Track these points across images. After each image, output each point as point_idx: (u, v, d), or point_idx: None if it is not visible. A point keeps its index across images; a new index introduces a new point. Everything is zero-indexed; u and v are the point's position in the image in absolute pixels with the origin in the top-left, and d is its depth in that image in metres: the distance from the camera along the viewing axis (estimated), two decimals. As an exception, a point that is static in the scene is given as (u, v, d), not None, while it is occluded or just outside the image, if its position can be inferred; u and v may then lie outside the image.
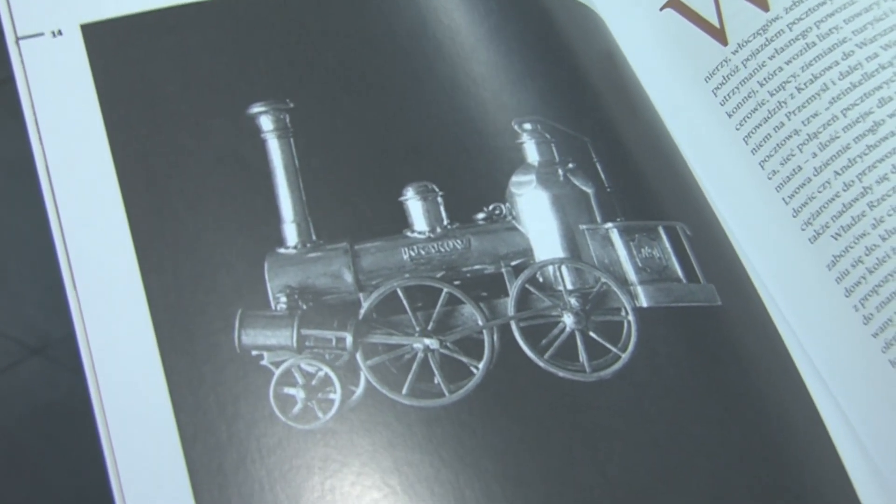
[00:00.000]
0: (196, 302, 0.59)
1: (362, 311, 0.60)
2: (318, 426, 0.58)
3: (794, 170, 0.68)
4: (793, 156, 0.68)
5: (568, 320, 0.61)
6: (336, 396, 0.58)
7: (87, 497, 0.63)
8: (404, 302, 0.61)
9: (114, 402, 0.57)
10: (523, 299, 0.62)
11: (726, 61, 0.72)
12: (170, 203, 0.61)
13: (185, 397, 0.57)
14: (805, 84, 0.69)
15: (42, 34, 0.65)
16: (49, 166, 0.62)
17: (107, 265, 0.60)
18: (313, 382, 0.58)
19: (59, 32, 0.65)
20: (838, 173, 0.66)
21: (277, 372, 0.58)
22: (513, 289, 0.62)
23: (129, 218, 0.61)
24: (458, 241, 0.63)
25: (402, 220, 0.63)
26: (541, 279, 0.63)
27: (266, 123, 0.63)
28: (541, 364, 0.59)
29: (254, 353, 0.59)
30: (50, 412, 0.59)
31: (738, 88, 0.71)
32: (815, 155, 0.67)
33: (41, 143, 0.62)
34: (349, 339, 0.59)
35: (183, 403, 0.57)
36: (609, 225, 0.64)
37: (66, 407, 0.60)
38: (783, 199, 0.68)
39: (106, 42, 0.65)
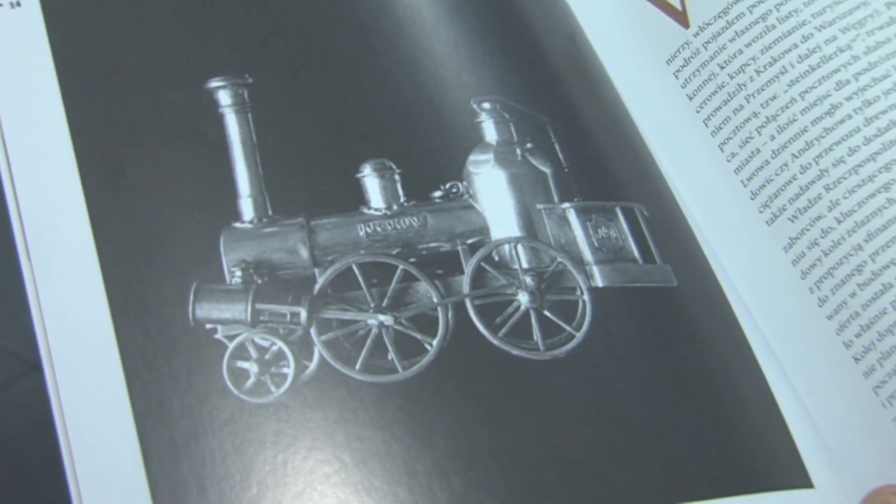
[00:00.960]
0: (151, 274, 0.59)
1: (317, 287, 0.60)
2: (271, 400, 0.58)
3: (752, 152, 0.68)
4: (751, 138, 0.68)
5: (523, 299, 0.61)
6: (289, 371, 0.58)
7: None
8: (359, 278, 0.61)
9: (66, 371, 0.57)
10: (478, 277, 0.62)
11: (688, 44, 0.72)
12: (126, 175, 0.61)
13: (138, 369, 0.57)
14: (764, 67, 0.69)
15: (1, 5, 0.65)
16: (5, 138, 0.62)
17: (61, 235, 0.60)
18: (267, 357, 0.58)
19: (18, 3, 0.65)
20: (795, 156, 0.67)
21: (231, 346, 0.58)
22: (468, 267, 0.62)
23: (84, 189, 0.61)
24: (415, 219, 0.63)
25: (359, 197, 0.63)
26: (496, 258, 0.63)
27: (224, 98, 0.63)
28: (495, 342, 0.59)
29: (208, 326, 0.59)
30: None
31: (698, 71, 0.71)
32: (773, 138, 0.67)
33: (-1, 114, 0.62)
34: (303, 314, 0.59)
35: (136, 375, 0.57)
36: (566, 205, 0.64)
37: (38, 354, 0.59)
38: (741, 181, 0.68)
39: (64, 13, 0.65)
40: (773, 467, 0.60)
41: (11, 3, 0.65)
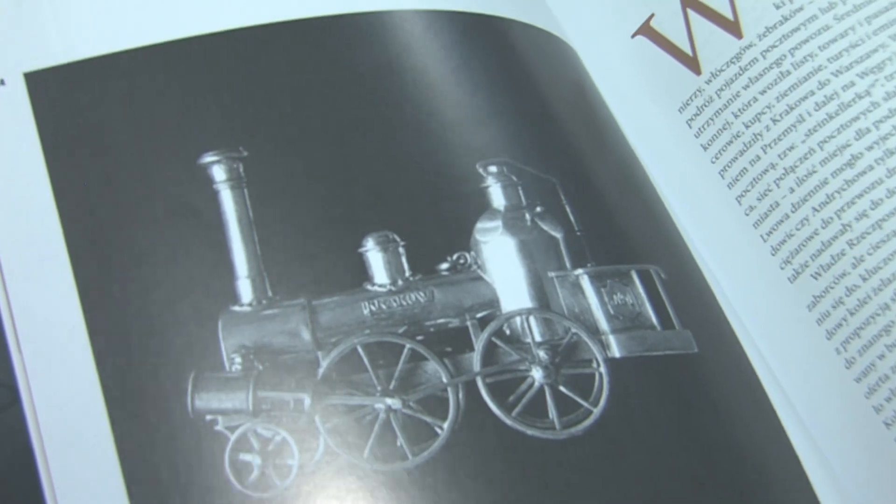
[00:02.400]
0: (146, 364, 0.57)
1: (321, 371, 0.58)
2: (276, 494, 0.55)
3: (771, 205, 0.65)
4: (770, 191, 0.66)
5: (537, 374, 0.59)
6: (294, 462, 0.55)
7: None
8: (365, 360, 0.58)
9: (62, 474, 0.55)
10: (489, 353, 0.59)
11: (700, 91, 0.70)
12: (118, 258, 0.59)
13: (136, 466, 0.55)
14: (780, 115, 0.67)
15: (-16, 84, 0.62)
16: (-9, 221, 0.59)
17: (52, 325, 0.58)
18: (270, 447, 0.56)
19: (2, 82, 0.62)
20: (816, 210, 0.64)
21: (233, 437, 0.56)
22: (478, 343, 0.59)
23: (75, 274, 0.58)
24: (421, 294, 0.60)
25: (362, 273, 0.60)
26: (508, 331, 0.60)
27: (219, 173, 0.61)
28: (508, 422, 0.57)
29: (208, 417, 0.56)
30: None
31: (712, 119, 0.69)
32: (792, 190, 0.65)
33: (-18, 196, 0.60)
34: (307, 400, 0.57)
35: (134, 473, 0.55)
36: (579, 271, 0.61)
37: (31, 450, 0.57)
38: (761, 236, 0.66)
39: (50, 90, 0.62)
40: (805, 541, 0.57)
41: (-5, 81, 0.62)
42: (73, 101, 0.62)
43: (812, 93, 0.67)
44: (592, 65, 0.74)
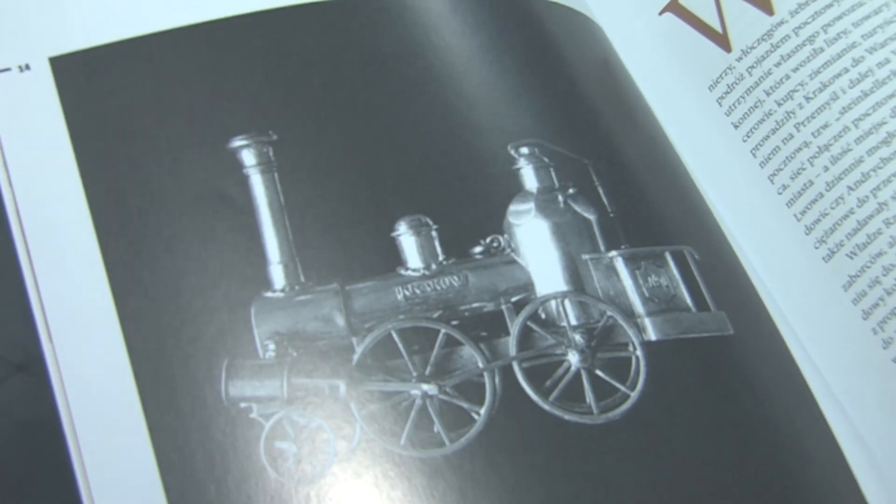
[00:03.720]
0: (179, 352, 0.56)
1: (356, 357, 0.57)
2: (313, 481, 0.54)
3: (805, 184, 0.65)
4: (803, 170, 0.65)
5: (573, 358, 0.58)
6: (330, 449, 0.55)
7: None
8: (400, 345, 0.58)
9: (97, 467, 0.54)
10: (525, 338, 0.59)
11: (731, 68, 0.69)
12: (147, 245, 0.58)
13: (170, 456, 0.54)
14: (814, 93, 0.66)
15: (9, 69, 0.62)
16: (19, 208, 0.59)
17: (83, 314, 0.57)
18: (305, 435, 0.55)
19: (27, 67, 0.62)
20: (851, 188, 0.63)
21: (268, 425, 0.55)
22: (514, 327, 0.59)
23: (105, 262, 0.58)
24: (455, 278, 0.59)
25: (395, 257, 0.60)
26: (543, 315, 0.59)
27: (248, 158, 0.60)
28: (546, 407, 0.56)
29: (242, 405, 0.56)
30: (34, 429, 0.56)
31: (743, 97, 0.68)
32: (826, 169, 0.64)
33: (10, 183, 0.59)
34: (342, 387, 0.56)
35: (169, 463, 0.54)
36: (613, 253, 0.61)
37: (50, 424, 0.56)
38: (794, 215, 0.65)
39: (76, 75, 0.62)
40: (844, 525, 0.57)
41: (20, 67, 0.62)
42: (99, 86, 0.62)
43: (846, 70, 0.66)
44: (620, 43, 0.73)
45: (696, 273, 0.62)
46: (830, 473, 0.59)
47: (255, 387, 0.56)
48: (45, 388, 0.56)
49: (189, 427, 0.55)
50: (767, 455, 0.58)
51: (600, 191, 0.63)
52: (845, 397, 0.61)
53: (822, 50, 0.66)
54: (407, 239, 0.59)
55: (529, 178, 0.62)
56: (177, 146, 0.60)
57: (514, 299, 0.60)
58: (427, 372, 0.57)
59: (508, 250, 0.60)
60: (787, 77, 0.67)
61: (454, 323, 0.59)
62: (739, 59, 0.69)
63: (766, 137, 0.67)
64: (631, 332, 0.59)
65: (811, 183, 0.65)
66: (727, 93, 0.69)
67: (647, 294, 0.60)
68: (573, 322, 0.59)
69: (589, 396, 0.57)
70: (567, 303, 0.60)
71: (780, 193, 0.66)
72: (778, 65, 0.67)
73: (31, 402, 0.58)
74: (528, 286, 0.60)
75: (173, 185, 0.59)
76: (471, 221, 0.61)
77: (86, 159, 0.60)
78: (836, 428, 0.60)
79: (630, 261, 0.61)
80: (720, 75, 0.69)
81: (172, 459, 0.54)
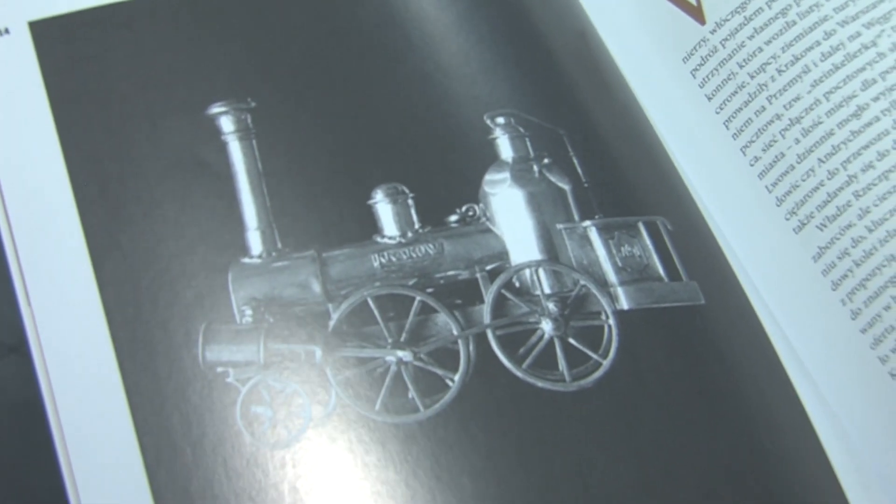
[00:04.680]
0: (156, 316, 0.57)
1: (332, 323, 0.58)
2: (288, 445, 0.55)
3: (776, 156, 0.65)
4: (775, 142, 0.65)
5: (546, 327, 0.59)
6: (305, 413, 0.55)
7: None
8: (375, 312, 0.58)
9: (73, 427, 0.55)
10: (499, 306, 0.59)
11: (704, 41, 0.69)
12: (126, 210, 0.59)
13: (147, 418, 0.55)
14: (786, 65, 0.66)
15: (-12, 33, 0.62)
16: (-1, 175, 0.59)
17: (61, 277, 0.57)
18: (281, 399, 0.56)
19: (6, 31, 0.62)
20: (822, 161, 0.64)
21: (244, 389, 0.56)
22: (488, 295, 0.59)
23: (83, 227, 0.58)
24: (431, 246, 0.60)
25: (372, 225, 0.60)
26: (517, 284, 0.60)
27: (227, 125, 0.60)
28: (519, 374, 0.57)
29: (219, 369, 0.56)
30: (27, 408, 0.56)
31: (717, 70, 0.68)
32: (797, 141, 0.65)
33: (-11, 147, 0.59)
34: (318, 352, 0.56)
35: (146, 425, 0.55)
36: (587, 223, 0.61)
37: (35, 401, 0.57)
38: (766, 186, 0.65)
39: (55, 39, 0.62)
40: (811, 492, 0.58)
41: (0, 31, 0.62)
42: (79, 51, 0.62)
43: (818, 43, 0.66)
44: (595, 14, 0.73)
45: (668, 243, 0.63)
46: (799, 440, 0.59)
47: (231, 351, 0.56)
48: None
49: (166, 390, 0.55)
50: (737, 423, 0.59)
51: (575, 161, 0.63)
52: (814, 367, 0.62)
53: (794, 23, 0.67)
54: (383, 207, 0.60)
55: (505, 147, 0.63)
56: (156, 112, 0.61)
57: (488, 268, 0.60)
58: (402, 339, 0.58)
59: (484, 219, 0.61)
60: (760, 50, 0.67)
61: (429, 290, 0.59)
62: (713, 32, 0.69)
63: (739, 110, 0.67)
64: (604, 301, 0.60)
65: (783, 155, 0.65)
66: (701, 65, 0.69)
67: (619, 264, 0.61)
68: (547, 291, 0.60)
69: (562, 364, 0.58)
70: (541, 272, 0.60)
71: (752, 165, 0.66)
72: (751, 37, 0.68)
73: (25, 382, 0.58)
74: (502, 255, 0.61)
75: (152, 151, 0.60)
76: (447, 190, 0.61)
77: (65, 124, 0.60)
78: (805, 397, 0.61)
79: (603, 230, 0.61)
80: (694, 47, 0.70)
81: (149, 422, 0.55)
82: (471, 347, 0.57)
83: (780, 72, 0.66)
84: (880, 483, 0.59)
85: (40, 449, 0.55)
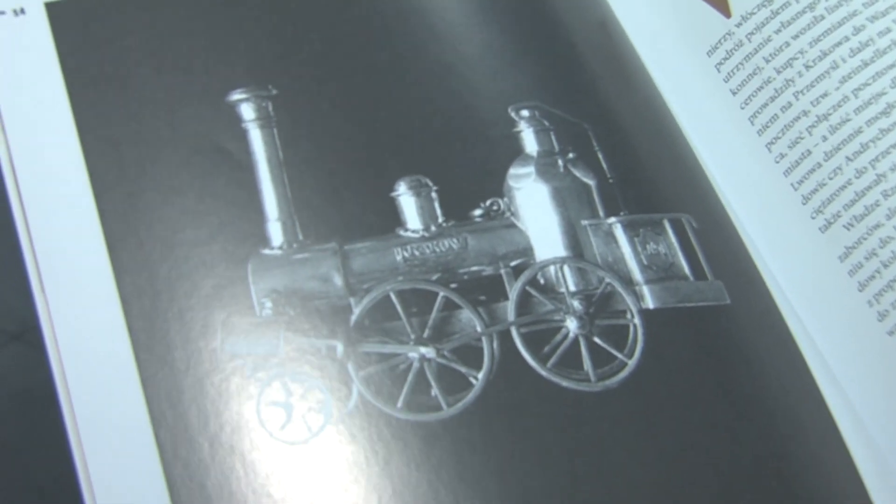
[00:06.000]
0: (174, 307, 0.56)
1: (353, 318, 0.57)
2: (307, 442, 0.54)
3: (802, 154, 0.64)
4: (801, 139, 0.64)
5: (571, 325, 0.58)
6: (325, 410, 0.54)
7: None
8: (398, 307, 0.57)
9: (90, 423, 0.54)
10: (524, 303, 0.58)
11: (730, 34, 0.68)
12: (143, 197, 0.58)
13: (164, 412, 0.54)
14: (813, 61, 0.65)
15: (3, 13, 0.61)
16: (13, 156, 0.58)
17: (77, 265, 0.56)
18: (301, 394, 0.55)
19: (22, 11, 0.61)
20: (850, 159, 0.63)
21: (263, 384, 0.54)
22: (513, 292, 0.58)
23: (100, 214, 0.57)
24: (454, 241, 0.59)
25: (394, 218, 0.59)
26: (542, 281, 0.59)
27: (247, 112, 0.59)
28: (543, 373, 0.56)
29: (238, 362, 0.55)
30: (29, 397, 0.55)
31: (742, 64, 0.67)
32: (825, 138, 0.64)
33: (3, 130, 0.58)
34: (340, 347, 0.55)
35: (162, 418, 0.54)
36: (612, 220, 0.61)
37: (46, 390, 0.56)
38: (791, 184, 0.64)
39: (72, 21, 0.61)
40: (835, 496, 0.58)
41: (15, 11, 0.61)
42: (96, 34, 0.61)
43: (847, 38, 0.65)
44: (617, 5, 0.72)
45: (693, 241, 0.62)
46: (823, 444, 0.59)
47: (251, 344, 0.55)
48: (40, 357, 0.56)
49: (183, 384, 0.54)
50: (761, 425, 0.58)
51: (600, 156, 0.62)
52: (840, 369, 0.61)
53: (822, 17, 0.66)
54: (406, 199, 0.59)
55: (530, 141, 0.62)
56: (175, 98, 0.60)
57: (513, 264, 0.60)
58: (425, 335, 0.57)
59: (508, 214, 0.60)
60: (787, 44, 0.66)
61: (453, 286, 0.58)
62: (739, 25, 0.68)
63: (765, 105, 0.66)
64: (629, 300, 0.59)
65: (809, 152, 0.64)
66: (726, 59, 0.68)
67: (645, 262, 0.60)
68: (572, 288, 0.59)
69: (587, 364, 0.57)
70: (566, 269, 0.59)
71: (777, 162, 0.65)
72: (778, 31, 0.67)
73: (27, 371, 0.57)
74: (527, 251, 0.60)
75: (171, 138, 0.59)
76: (471, 184, 0.60)
77: (81, 108, 0.59)
78: (830, 399, 0.60)
79: (629, 227, 0.61)
80: (719, 41, 0.69)
81: (166, 416, 0.54)
82: (495, 345, 0.57)
83: (807, 67, 0.65)
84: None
85: (54, 443, 0.54)
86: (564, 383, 0.56)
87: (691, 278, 0.60)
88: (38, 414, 0.56)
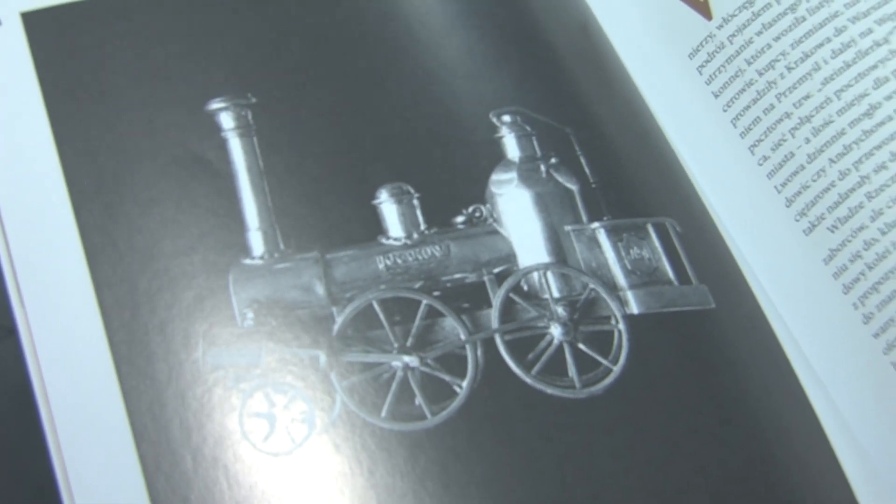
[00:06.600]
0: (155, 318, 0.55)
1: (336, 327, 0.56)
2: (291, 453, 0.54)
3: (785, 156, 0.64)
4: (784, 141, 0.64)
5: (555, 331, 0.57)
6: (309, 420, 0.54)
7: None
8: (381, 316, 0.57)
9: (71, 435, 0.53)
10: (508, 310, 0.58)
11: (711, 37, 0.68)
12: (122, 208, 0.57)
13: (146, 424, 0.53)
14: (795, 63, 0.65)
15: (-22, 23, 0.60)
16: (-11, 168, 0.57)
17: (56, 278, 0.56)
18: (284, 405, 0.54)
19: (-2, 21, 0.60)
20: (833, 161, 0.62)
21: (245, 395, 0.54)
22: (496, 299, 0.58)
23: (78, 225, 0.56)
24: (437, 248, 0.58)
25: (376, 226, 0.59)
26: (525, 287, 0.59)
27: (226, 121, 0.59)
28: (528, 381, 0.56)
29: (219, 374, 0.54)
30: (24, 392, 0.54)
31: (724, 66, 0.67)
32: (807, 140, 0.63)
33: (-20, 141, 0.58)
34: (323, 357, 0.55)
35: (144, 431, 0.53)
36: (595, 225, 0.60)
37: (37, 411, 0.55)
38: (775, 187, 0.64)
39: (49, 31, 0.60)
40: (822, 499, 0.57)
41: (-10, 21, 0.60)
42: (72, 43, 0.60)
43: (828, 39, 0.65)
44: (598, 8, 0.72)
45: (677, 245, 0.61)
46: (809, 447, 0.59)
47: (233, 355, 0.55)
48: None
49: (165, 396, 0.54)
50: (747, 428, 0.58)
51: (582, 160, 0.62)
52: (825, 372, 0.61)
53: (804, 19, 0.66)
54: (388, 207, 0.59)
55: (511, 146, 0.61)
56: (153, 107, 0.59)
57: (496, 270, 0.59)
58: (408, 343, 0.56)
59: (491, 220, 0.60)
60: (769, 46, 0.66)
61: (436, 294, 0.58)
62: (720, 27, 0.68)
63: (747, 107, 0.66)
64: (613, 306, 0.58)
65: (792, 155, 0.64)
66: (707, 61, 0.68)
67: (629, 267, 0.60)
68: (555, 294, 0.59)
69: (571, 370, 0.57)
70: (549, 275, 0.59)
71: (760, 165, 0.65)
72: (759, 33, 0.67)
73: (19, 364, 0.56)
74: (510, 257, 0.59)
75: (149, 147, 0.58)
76: (453, 190, 0.60)
77: (59, 118, 0.59)
78: (816, 402, 0.60)
79: (612, 232, 0.60)
80: (700, 43, 0.68)
81: (148, 429, 0.53)
82: (479, 353, 0.56)
83: (789, 69, 0.64)
84: (892, 490, 0.58)
85: (34, 456, 0.54)
86: (549, 390, 0.56)
87: (675, 283, 0.60)
88: (30, 430, 0.56)
